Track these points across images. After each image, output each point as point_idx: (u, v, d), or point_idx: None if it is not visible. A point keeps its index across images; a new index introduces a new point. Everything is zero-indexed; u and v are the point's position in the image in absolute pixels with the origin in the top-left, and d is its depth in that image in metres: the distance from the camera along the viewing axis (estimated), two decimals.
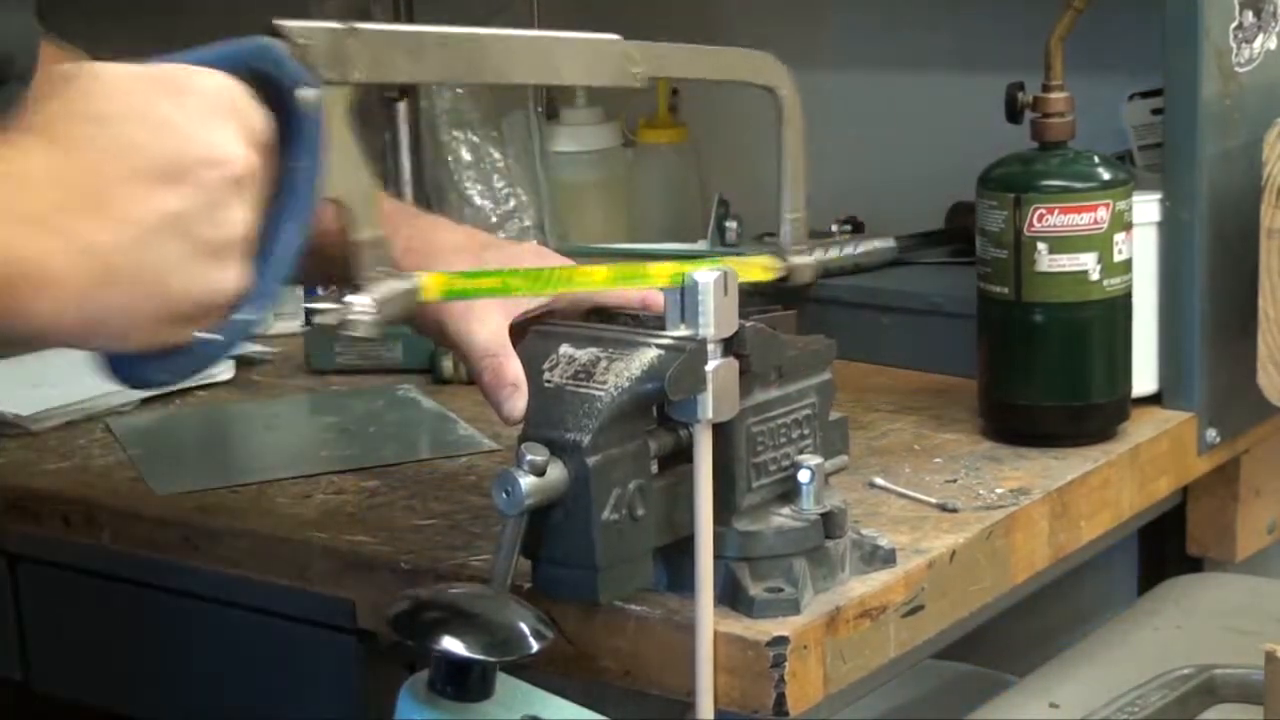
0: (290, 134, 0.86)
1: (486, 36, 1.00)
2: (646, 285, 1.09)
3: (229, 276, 0.83)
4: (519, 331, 1.16)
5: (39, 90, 0.82)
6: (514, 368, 1.15)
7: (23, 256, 0.76)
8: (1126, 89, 1.65)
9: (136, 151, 0.80)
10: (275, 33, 0.87)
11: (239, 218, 0.82)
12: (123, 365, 0.84)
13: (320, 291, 1.02)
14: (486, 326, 1.15)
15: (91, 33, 2.61)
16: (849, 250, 1.69)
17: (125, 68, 0.81)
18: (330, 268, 0.98)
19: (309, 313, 0.93)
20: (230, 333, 0.85)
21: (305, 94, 0.86)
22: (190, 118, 0.81)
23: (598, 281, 1.07)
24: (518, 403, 1.13)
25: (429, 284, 0.97)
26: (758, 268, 1.19)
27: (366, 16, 1.72)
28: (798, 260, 1.21)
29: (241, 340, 0.86)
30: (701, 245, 1.73)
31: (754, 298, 1.18)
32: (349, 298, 0.93)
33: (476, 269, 1.03)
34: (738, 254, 1.10)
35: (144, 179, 0.79)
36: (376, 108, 1.75)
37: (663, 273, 1.08)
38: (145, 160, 0.80)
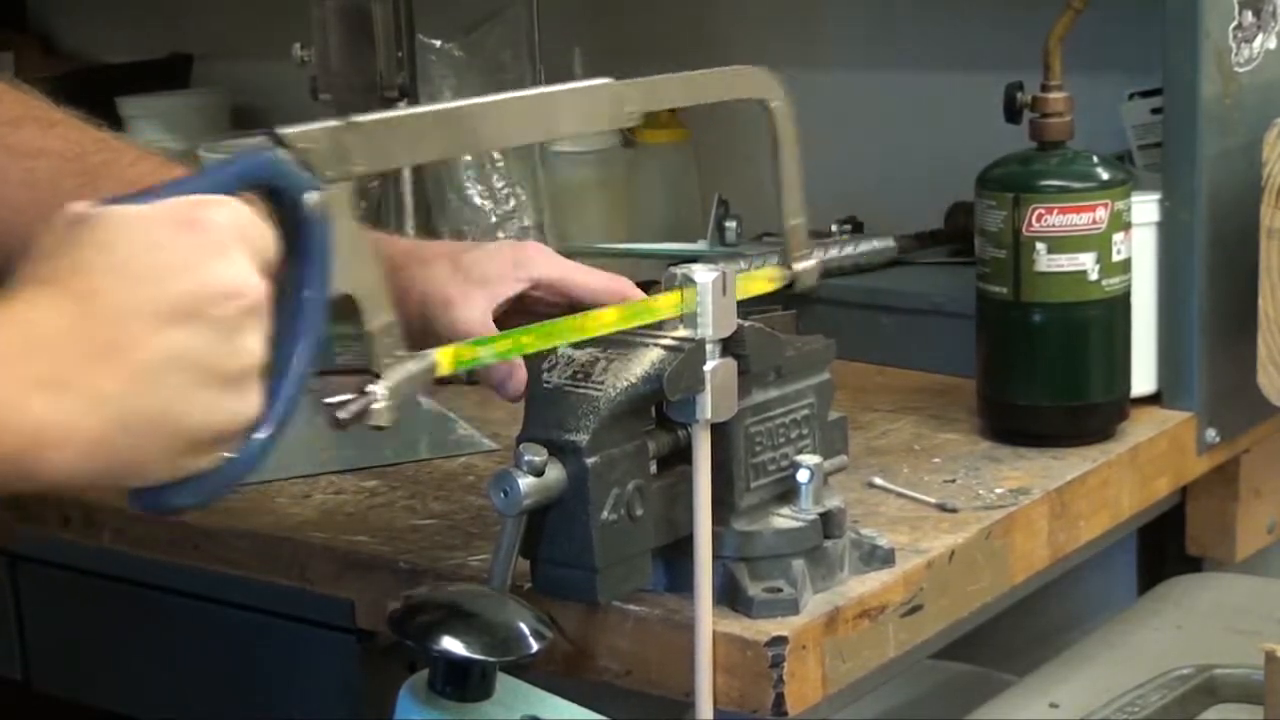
0: (299, 240, 0.88)
1: (482, 106, 1.02)
2: (653, 319, 1.09)
3: (248, 403, 0.85)
4: (502, 319, 1.16)
5: (51, 235, 0.84)
6: None
7: (38, 421, 0.78)
8: (1126, 89, 1.65)
9: (151, 295, 0.81)
10: (277, 139, 0.89)
11: (254, 345, 0.84)
12: (143, 494, 0.86)
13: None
14: (472, 314, 1.16)
15: (91, 34, 2.61)
16: (849, 250, 1.69)
17: (135, 209, 0.83)
18: None
19: (328, 409, 0.95)
20: (250, 454, 0.86)
21: (310, 202, 0.88)
22: (202, 254, 0.83)
23: (608, 324, 1.08)
24: (517, 379, 1.14)
25: (442, 359, 0.98)
26: (762, 279, 1.19)
27: (366, 17, 1.72)
28: (801, 266, 1.22)
29: (261, 459, 0.87)
30: (701, 245, 1.73)
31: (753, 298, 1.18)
32: (369, 387, 0.94)
33: (485, 336, 1.06)
34: (739, 269, 1.11)
35: (160, 321, 0.81)
36: (376, 107, 1.74)
37: (670, 303, 1.09)
38: (160, 302, 0.81)
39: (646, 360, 1.07)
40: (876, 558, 1.17)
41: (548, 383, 1.07)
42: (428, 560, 1.23)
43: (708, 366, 1.07)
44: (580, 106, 1.07)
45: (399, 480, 1.38)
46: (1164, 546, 1.64)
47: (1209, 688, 1.24)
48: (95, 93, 2.16)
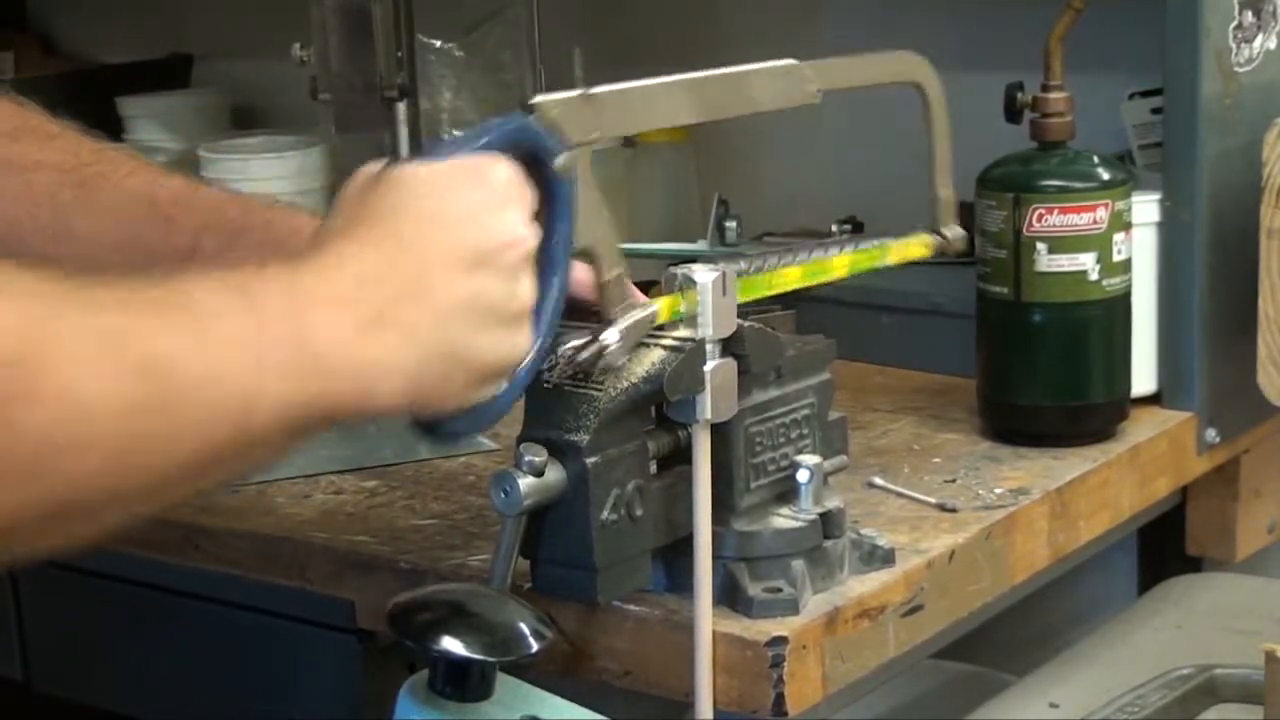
0: (549, 196, 1.00)
1: (697, 80, 1.12)
2: (830, 278, 1.20)
3: (522, 340, 0.96)
4: None
5: (352, 190, 0.95)
6: None
7: (373, 357, 0.87)
8: (1126, 89, 1.65)
9: (453, 241, 0.92)
10: (530, 107, 1.00)
11: (528, 288, 0.96)
12: (433, 426, 0.96)
13: None
14: None
15: (91, 34, 2.61)
16: (849, 250, 1.69)
17: (429, 166, 0.94)
18: None
19: (569, 354, 1.04)
20: (517, 384, 0.99)
21: (561, 162, 1.00)
22: (489, 207, 0.94)
23: (791, 282, 1.18)
24: None
25: (663, 307, 1.07)
26: (917, 245, 1.27)
27: (366, 17, 1.72)
28: (951, 232, 1.29)
29: (522, 392, 1.00)
30: (701, 245, 1.73)
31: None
32: (604, 333, 1.03)
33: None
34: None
35: (459, 265, 0.92)
36: (376, 107, 1.75)
37: (842, 264, 1.21)
38: (460, 248, 0.92)
39: (647, 360, 1.07)
40: (876, 558, 1.17)
41: (548, 382, 1.07)
42: (428, 560, 1.23)
43: (708, 367, 1.07)
44: (775, 83, 1.16)
45: (399, 480, 1.38)
46: (1164, 546, 1.64)
47: (1209, 688, 1.24)
48: (95, 93, 2.17)
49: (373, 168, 0.95)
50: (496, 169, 0.95)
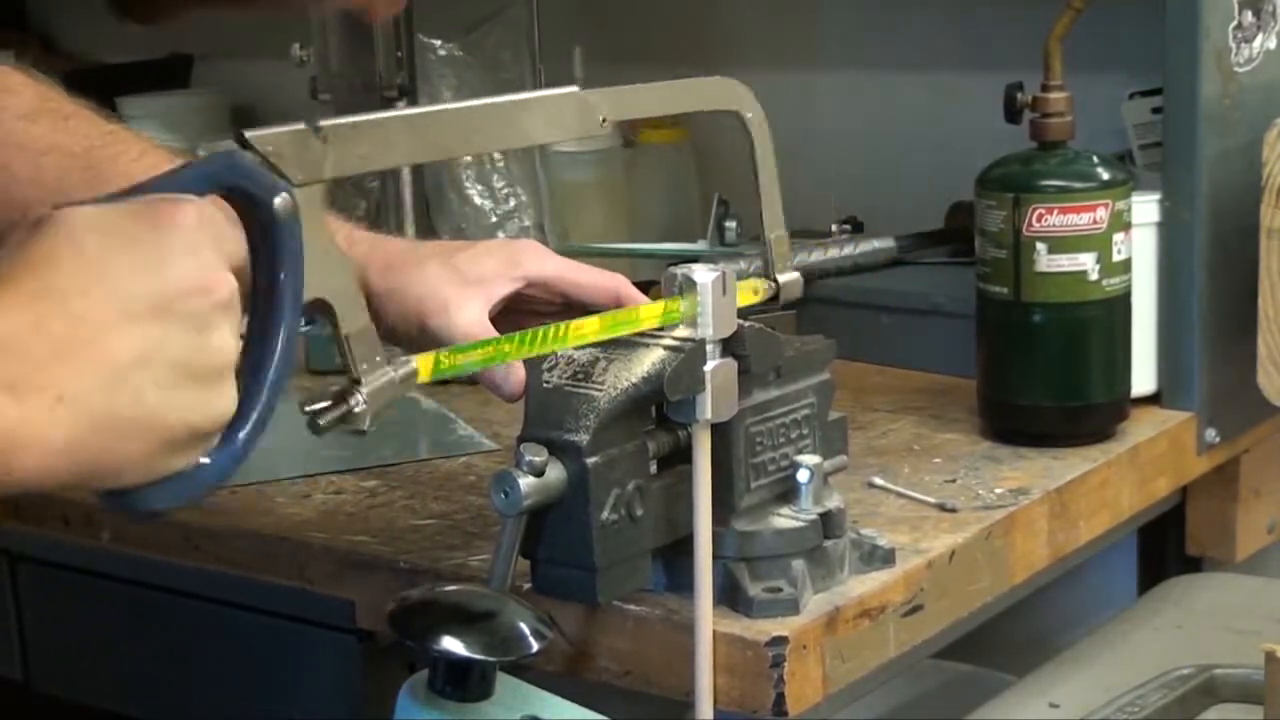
0: (270, 242, 0.86)
1: (450, 111, 1.01)
2: (634, 330, 1.09)
3: (222, 399, 0.83)
4: (497, 318, 1.16)
5: (20, 235, 0.81)
6: None
7: (5, 424, 0.75)
8: (1126, 88, 1.65)
9: (120, 291, 0.79)
10: (243, 142, 0.88)
11: (226, 341, 0.82)
12: (118, 496, 0.83)
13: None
14: (468, 316, 1.15)
15: (91, 34, 2.61)
16: (849, 250, 1.70)
17: (103, 208, 0.81)
18: None
19: (310, 416, 0.94)
20: (230, 454, 0.84)
21: (279, 204, 0.85)
22: (171, 250, 0.81)
23: (589, 334, 1.07)
24: (515, 379, 1.13)
25: (421, 367, 0.97)
26: (746, 291, 1.17)
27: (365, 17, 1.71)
28: (785, 278, 1.21)
29: (241, 460, 0.85)
30: (701, 245, 1.73)
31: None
32: (350, 395, 0.93)
33: (467, 343, 1.04)
34: (737, 270, 1.10)
35: (128, 317, 0.79)
36: (376, 107, 1.75)
37: (652, 314, 1.09)
38: (127, 299, 0.79)
39: (647, 360, 1.07)
40: (877, 558, 1.17)
41: (548, 383, 1.07)
42: (428, 560, 1.23)
43: (708, 367, 1.07)
44: (550, 113, 1.07)
45: (399, 480, 1.38)
46: (1164, 546, 1.64)
47: (1209, 688, 1.24)
48: (95, 93, 2.16)
49: (43, 210, 0.82)
50: (181, 209, 0.82)
